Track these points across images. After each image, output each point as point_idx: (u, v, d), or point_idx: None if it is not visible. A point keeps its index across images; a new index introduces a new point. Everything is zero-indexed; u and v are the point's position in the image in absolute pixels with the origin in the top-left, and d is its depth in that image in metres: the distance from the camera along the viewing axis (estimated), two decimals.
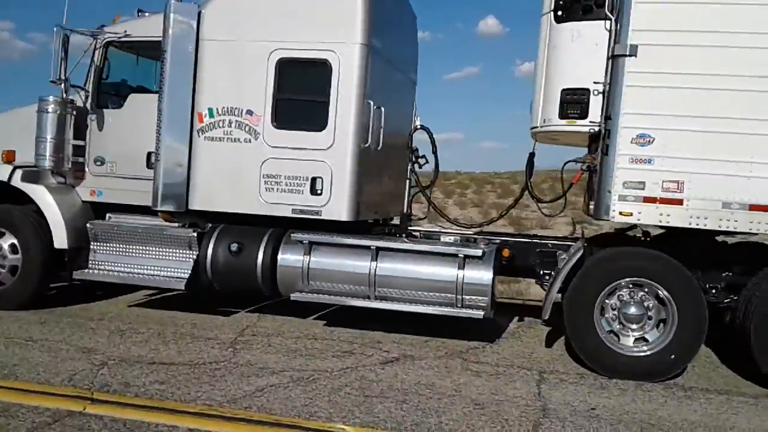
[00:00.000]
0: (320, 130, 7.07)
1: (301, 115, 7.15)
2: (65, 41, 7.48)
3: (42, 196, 7.78)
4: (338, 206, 7.05)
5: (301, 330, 7.51)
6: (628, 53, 6.13)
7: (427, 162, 7.67)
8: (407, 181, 7.66)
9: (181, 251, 7.56)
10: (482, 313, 6.69)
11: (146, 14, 8.09)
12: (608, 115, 6.25)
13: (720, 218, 6.02)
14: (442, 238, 7.53)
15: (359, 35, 6.98)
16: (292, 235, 7.19)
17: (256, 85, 7.21)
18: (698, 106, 6.01)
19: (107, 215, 7.97)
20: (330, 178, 7.04)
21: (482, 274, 6.73)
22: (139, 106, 7.77)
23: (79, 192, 7.98)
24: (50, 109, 7.64)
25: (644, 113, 6.12)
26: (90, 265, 7.75)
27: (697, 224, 6.08)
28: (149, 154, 7.62)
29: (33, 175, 7.84)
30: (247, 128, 7.26)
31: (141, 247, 7.67)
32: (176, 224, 7.59)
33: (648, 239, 7.04)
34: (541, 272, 7.16)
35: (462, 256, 6.74)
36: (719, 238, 6.68)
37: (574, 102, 6.62)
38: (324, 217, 7.09)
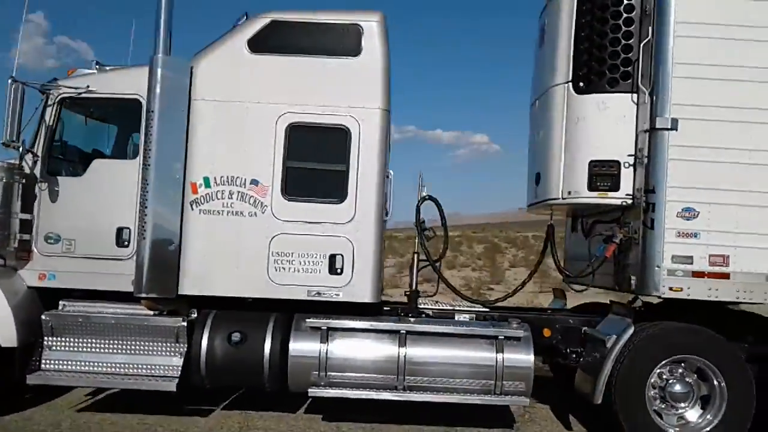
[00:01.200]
0: (339, 202, 6.34)
1: (316, 185, 6.39)
2: (22, 95, 6.21)
3: None
4: (362, 286, 6.31)
5: (309, 427, 6.56)
6: (669, 127, 6.08)
7: (435, 235, 7.14)
8: (414, 255, 7.08)
9: (166, 344, 6.39)
10: (527, 400, 6.18)
11: (107, 68, 6.99)
12: (650, 188, 6.13)
13: (765, 291, 6.03)
14: (457, 317, 6.97)
15: (381, 100, 6.42)
16: (306, 320, 6.30)
17: (262, 153, 6.37)
18: (738, 179, 6.06)
19: (60, 303, 6.61)
20: (351, 255, 6.30)
21: (523, 357, 6.26)
22: (106, 173, 6.62)
23: (23, 276, 6.55)
24: None
25: (688, 187, 6.07)
26: (44, 365, 6.32)
27: (744, 298, 6.06)
28: (119, 230, 6.47)
29: (24, 260, 6.37)
30: (252, 200, 6.36)
31: (114, 342, 6.40)
32: (157, 312, 6.42)
33: (641, 308, 6.95)
34: (567, 350, 6.79)
35: (502, 337, 6.24)
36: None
37: (604, 174, 6.47)
38: (344, 299, 6.30)
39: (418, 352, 6.27)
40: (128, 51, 7.62)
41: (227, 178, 6.37)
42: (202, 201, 6.36)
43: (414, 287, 7.06)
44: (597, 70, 6.59)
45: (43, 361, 6.34)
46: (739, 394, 6.01)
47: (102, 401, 7.27)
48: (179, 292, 6.28)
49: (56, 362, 6.34)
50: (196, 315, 6.50)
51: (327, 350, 6.25)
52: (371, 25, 6.46)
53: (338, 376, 6.25)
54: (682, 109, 6.10)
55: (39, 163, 6.59)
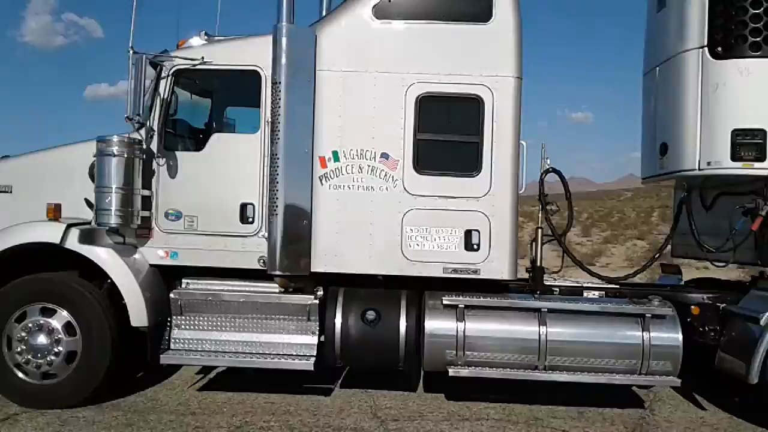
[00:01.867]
0: (474, 176, 6.09)
1: (449, 158, 6.13)
2: (143, 67, 5.98)
3: (111, 261, 6.16)
4: (500, 263, 6.08)
5: (439, 407, 6.38)
6: None
7: (558, 209, 6.87)
8: (538, 230, 6.82)
9: (297, 322, 6.22)
10: (678, 380, 5.94)
11: (216, 38, 6.76)
12: None
13: None
14: (586, 294, 6.71)
15: (514, 68, 6.13)
16: (443, 298, 6.08)
17: (392, 125, 6.12)
18: None
19: (183, 281, 6.45)
20: (488, 230, 6.06)
21: (671, 335, 6.00)
22: (227, 148, 6.40)
23: (144, 254, 6.39)
24: (115, 152, 6.08)
25: None
26: (174, 345, 6.19)
27: None
28: (243, 207, 6.27)
29: (92, 235, 6.19)
30: (382, 174, 6.12)
31: (243, 320, 6.23)
32: (290, 290, 6.24)
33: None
34: (706, 328, 6.48)
35: (649, 315, 5.97)
36: None
37: (749, 144, 6.12)
38: (484, 276, 6.08)
39: (560, 330, 6.04)
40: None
41: (356, 151, 6.13)
42: (332, 175, 6.14)
43: (539, 263, 6.81)
44: (737, 34, 6.22)
45: (172, 341, 6.20)
46: None
47: (215, 380, 7.15)
48: (312, 270, 6.08)
49: (185, 342, 6.20)
50: (321, 292, 6.30)
51: (464, 329, 6.03)
52: None
53: (476, 355, 6.05)
54: None
55: (155, 138, 6.39)
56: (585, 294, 6.69)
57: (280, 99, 5.97)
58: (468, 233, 6.06)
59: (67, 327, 6.04)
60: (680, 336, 6.00)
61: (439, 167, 6.12)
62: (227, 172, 6.34)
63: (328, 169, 6.14)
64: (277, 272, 6.03)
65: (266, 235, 6.19)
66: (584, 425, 6.03)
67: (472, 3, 6.17)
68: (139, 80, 5.96)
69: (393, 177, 6.11)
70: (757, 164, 6.11)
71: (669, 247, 7.84)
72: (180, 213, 6.37)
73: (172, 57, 6.46)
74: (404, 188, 6.10)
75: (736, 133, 6.16)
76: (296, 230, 6.02)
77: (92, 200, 6.29)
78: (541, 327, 6.02)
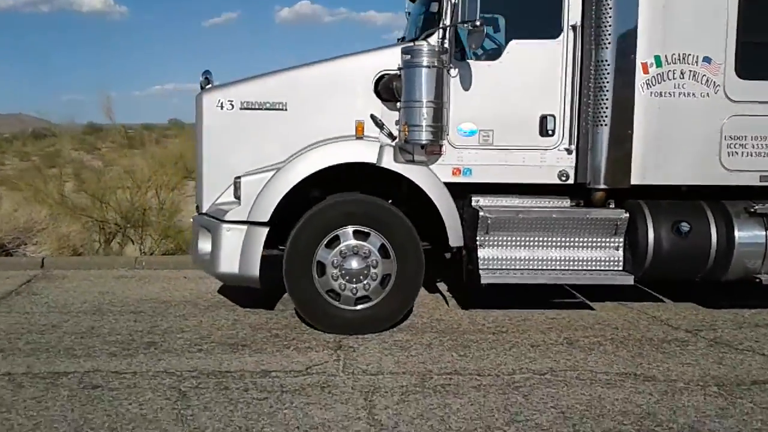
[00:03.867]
0: None
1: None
2: None
3: (429, 180, 5.82)
4: None
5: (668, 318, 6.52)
6: None
7: None
8: None
9: (603, 238, 6.08)
10: None
11: None
12: None
13: None
14: None
15: None
16: (756, 207, 6.03)
17: (716, 26, 5.80)
18: None
19: (472, 198, 6.17)
20: None
21: None
22: (525, 56, 5.94)
23: (436, 171, 6.03)
24: (425, 63, 5.57)
25: None
26: (486, 265, 5.98)
27: None
28: (543, 118, 5.94)
29: (404, 154, 5.79)
30: (704, 80, 5.86)
31: (548, 237, 6.05)
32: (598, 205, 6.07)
33: None
34: None
35: None
36: None
37: None
38: None
39: None
40: None
41: (679, 56, 5.81)
42: (654, 82, 5.83)
43: None
44: None
45: (481, 261, 5.98)
46: None
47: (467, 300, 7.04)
48: (631, 183, 5.90)
49: (498, 261, 5.99)
50: (614, 206, 6.15)
51: None
52: None
53: None
54: None
55: (445, 46, 5.86)
56: None
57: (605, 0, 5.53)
58: None
59: (381, 249, 5.74)
60: None
61: (762, 72, 5.89)
62: (525, 81, 5.94)
63: (650, 75, 5.82)
64: (602, 186, 5.82)
65: (568, 147, 5.94)
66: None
67: None
68: None
69: (715, 83, 5.86)
70: None
71: None
72: (475, 127, 5.98)
73: None
74: (726, 94, 5.88)
75: None
76: (622, 141, 5.77)
77: (379, 116, 5.88)
78: None
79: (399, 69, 5.76)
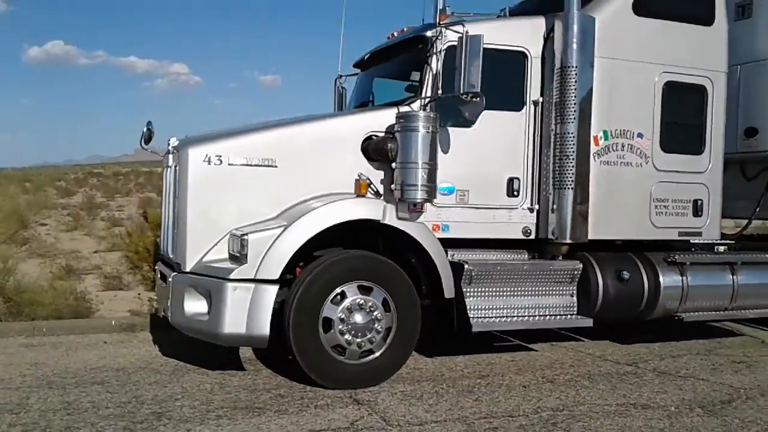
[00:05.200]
0: (699, 154, 7.29)
1: (683, 138, 7.23)
2: (477, 43, 5.96)
3: (426, 236, 6.17)
4: (713, 226, 7.43)
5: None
6: None
7: None
8: None
9: (561, 286, 6.88)
10: None
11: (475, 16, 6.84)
12: None
13: None
14: (718, 248, 8.37)
15: (725, 64, 7.39)
16: (675, 257, 7.24)
17: (646, 108, 7.01)
18: None
19: (447, 252, 6.64)
20: (708, 200, 7.34)
21: None
22: (494, 124, 6.63)
23: None
24: (422, 127, 6.04)
25: None
26: (473, 314, 6.43)
27: None
28: (510, 180, 6.70)
29: (402, 211, 6.12)
30: (639, 152, 7.01)
31: (517, 287, 6.69)
32: (555, 257, 6.87)
33: None
34: None
35: None
36: None
37: None
38: (704, 238, 7.38)
39: (746, 279, 7.60)
40: None
41: (621, 131, 6.91)
42: (602, 153, 6.85)
43: None
44: None
45: (470, 310, 6.40)
46: None
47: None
48: (588, 237, 6.78)
49: (482, 310, 6.48)
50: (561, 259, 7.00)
51: (687, 281, 7.27)
52: None
53: (692, 304, 7.36)
54: None
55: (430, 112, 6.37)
56: (717, 248, 8.37)
57: (571, 82, 6.46)
58: (696, 202, 7.27)
59: (384, 303, 5.95)
60: None
61: (678, 146, 7.19)
62: (495, 147, 6.66)
63: (599, 147, 6.82)
64: (568, 240, 6.63)
65: (531, 206, 6.74)
66: None
67: (700, 8, 7.22)
68: (465, 55, 5.95)
69: (646, 154, 7.03)
70: None
71: None
72: (453, 187, 6.51)
73: (443, 30, 6.41)
74: (653, 164, 7.07)
75: None
76: (583, 203, 6.65)
77: (368, 175, 6.22)
78: (733, 276, 7.53)
79: (392, 131, 6.13)
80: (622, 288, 7.01)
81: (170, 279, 6.04)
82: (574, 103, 6.48)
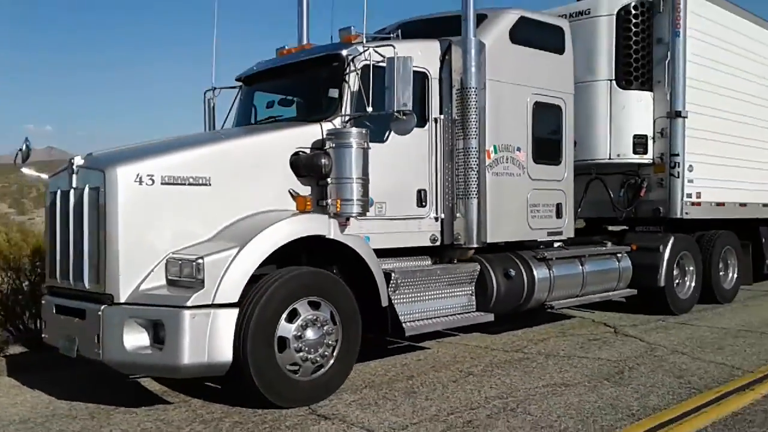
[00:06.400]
0: (558, 164, 8.52)
1: (548, 151, 8.38)
2: (407, 64, 6.35)
3: (366, 249, 6.41)
4: (569, 226, 8.73)
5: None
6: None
7: None
8: None
9: (464, 287, 7.59)
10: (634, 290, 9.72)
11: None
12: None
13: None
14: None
15: (572, 86, 8.75)
16: (544, 254, 8.37)
17: (521, 125, 8.02)
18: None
19: None
20: (565, 203, 8.61)
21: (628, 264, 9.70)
22: (404, 141, 7.05)
23: None
24: (355, 144, 6.32)
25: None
26: (404, 319, 6.81)
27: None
28: (419, 192, 7.29)
29: (342, 225, 6.30)
30: (518, 163, 7.98)
31: (432, 290, 7.26)
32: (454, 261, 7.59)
33: None
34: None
35: (620, 254, 9.55)
36: None
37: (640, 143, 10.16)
38: (564, 236, 8.63)
39: (591, 268, 9.05)
40: None
41: (505, 146, 7.81)
42: (493, 165, 7.69)
43: None
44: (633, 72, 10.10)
45: (400, 315, 6.73)
46: None
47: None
48: (485, 241, 7.56)
49: (410, 314, 6.91)
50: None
51: (554, 274, 8.46)
52: (566, 27, 8.62)
53: (557, 293, 8.58)
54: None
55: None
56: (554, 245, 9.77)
57: (472, 102, 7.22)
58: (557, 206, 8.49)
59: (331, 317, 6.07)
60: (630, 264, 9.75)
61: (544, 158, 8.32)
62: (406, 161, 7.16)
63: (491, 160, 7.65)
64: (474, 244, 7.35)
65: (436, 215, 7.38)
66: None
67: (555, 39, 8.44)
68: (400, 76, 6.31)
69: (523, 166, 8.03)
70: (645, 156, 10.19)
71: None
72: (372, 200, 6.85)
73: (357, 50, 6.70)
74: (528, 174, 8.11)
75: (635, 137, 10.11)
76: (484, 210, 7.43)
77: (298, 191, 6.34)
78: (581, 267, 8.93)
79: (322, 147, 6.28)
80: (510, 284, 7.93)
81: (100, 312, 5.48)
82: (475, 121, 7.22)
